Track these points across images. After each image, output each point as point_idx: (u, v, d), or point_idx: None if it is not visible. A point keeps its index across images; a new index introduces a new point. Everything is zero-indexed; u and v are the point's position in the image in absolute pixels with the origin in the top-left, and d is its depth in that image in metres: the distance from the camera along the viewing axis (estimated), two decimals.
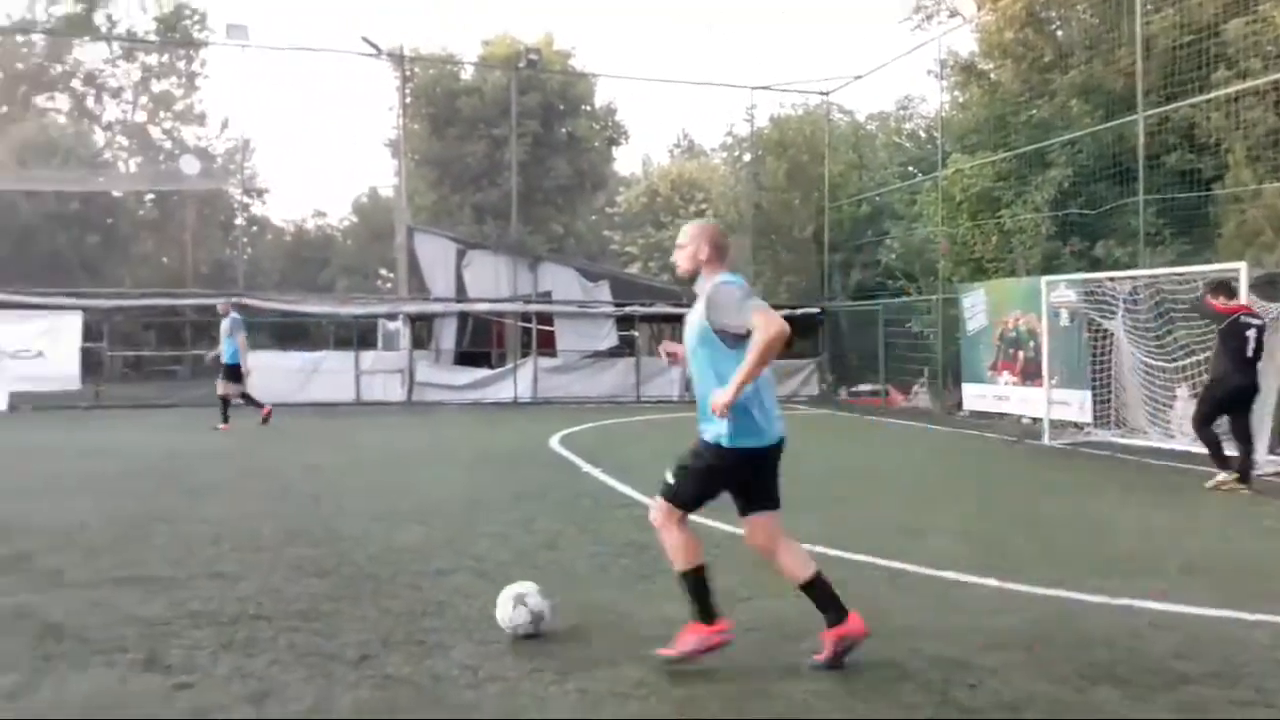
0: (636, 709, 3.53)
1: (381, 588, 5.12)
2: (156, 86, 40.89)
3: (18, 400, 17.61)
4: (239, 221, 37.01)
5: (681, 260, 4.12)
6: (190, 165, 32.88)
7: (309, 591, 5.01)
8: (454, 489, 8.69)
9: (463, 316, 22.12)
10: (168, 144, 40.82)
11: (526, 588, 4.34)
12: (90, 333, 19.02)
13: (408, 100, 29.13)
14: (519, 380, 21.14)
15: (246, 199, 39.65)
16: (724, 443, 3.84)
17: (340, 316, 21.65)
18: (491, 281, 22.03)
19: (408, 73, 28.68)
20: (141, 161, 39.26)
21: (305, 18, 72.66)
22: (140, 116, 40.94)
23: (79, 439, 13.03)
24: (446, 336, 21.96)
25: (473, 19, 77.56)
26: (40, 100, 38.96)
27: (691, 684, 3.75)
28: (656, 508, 4.02)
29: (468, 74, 32.96)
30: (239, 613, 4.57)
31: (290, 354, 20.98)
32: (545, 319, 22.20)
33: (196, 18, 40.08)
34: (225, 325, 14.52)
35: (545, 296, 22.25)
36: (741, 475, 3.93)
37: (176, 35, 39.09)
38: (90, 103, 40.37)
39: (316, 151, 67.31)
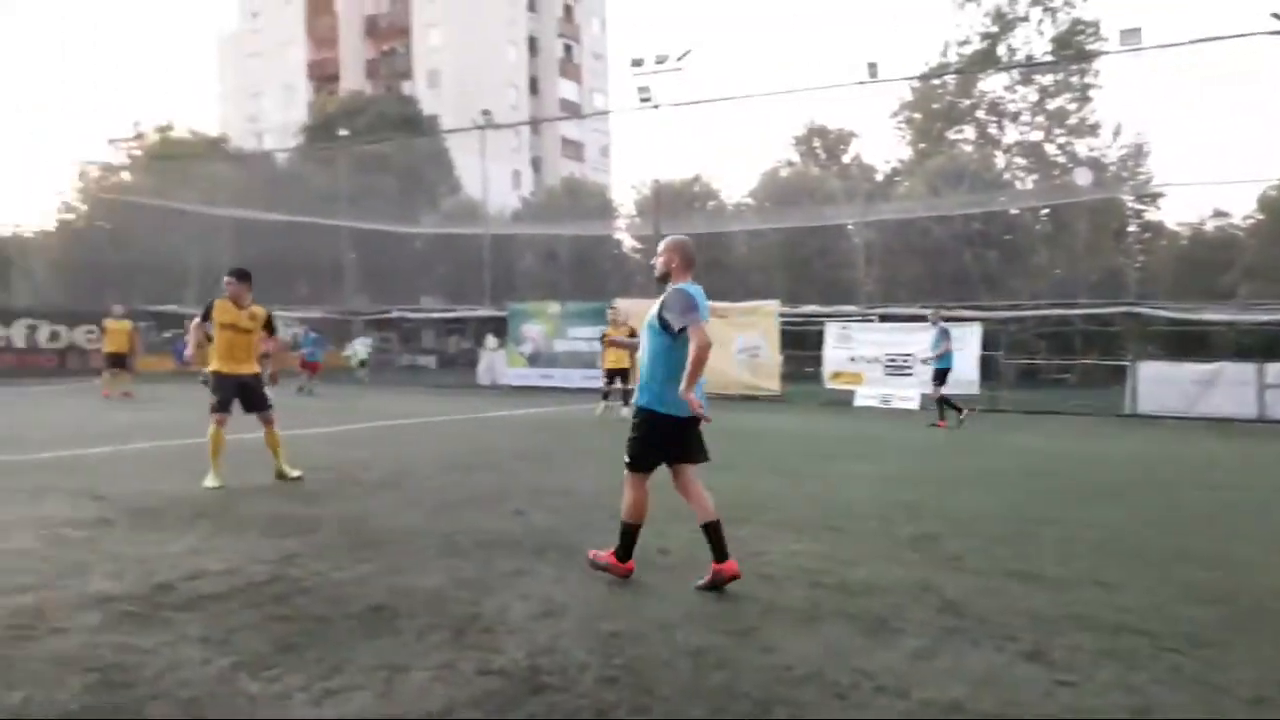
0: None
1: None
2: (1051, 104, 42.18)
3: (926, 401, 19.81)
4: (1131, 229, 36.04)
5: (659, 265, 5.33)
6: (1083, 176, 33.17)
7: (1197, 615, 4.76)
8: None
9: None
10: (1061, 158, 41.77)
11: None
12: (988, 342, 20.55)
13: None
14: None
15: (1139, 205, 38.44)
16: (656, 409, 5.09)
17: (1241, 324, 19.67)
18: None
19: None
20: (1037, 178, 40.85)
21: (1205, 6, 67.26)
22: (1036, 135, 42.72)
23: (975, 439, 14.18)
24: None
25: None
26: (950, 133, 43.37)
27: None
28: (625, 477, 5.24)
29: None
30: (1120, 623, 4.57)
31: (1183, 365, 19.76)
32: None
33: (1090, 30, 40.33)
34: (934, 334, 15.57)
35: None
36: (670, 434, 5.10)
37: (1070, 51, 39.82)
38: (992, 129, 43.51)
39: (1217, 147, 61.69)
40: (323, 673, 3.74)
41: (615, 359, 16.19)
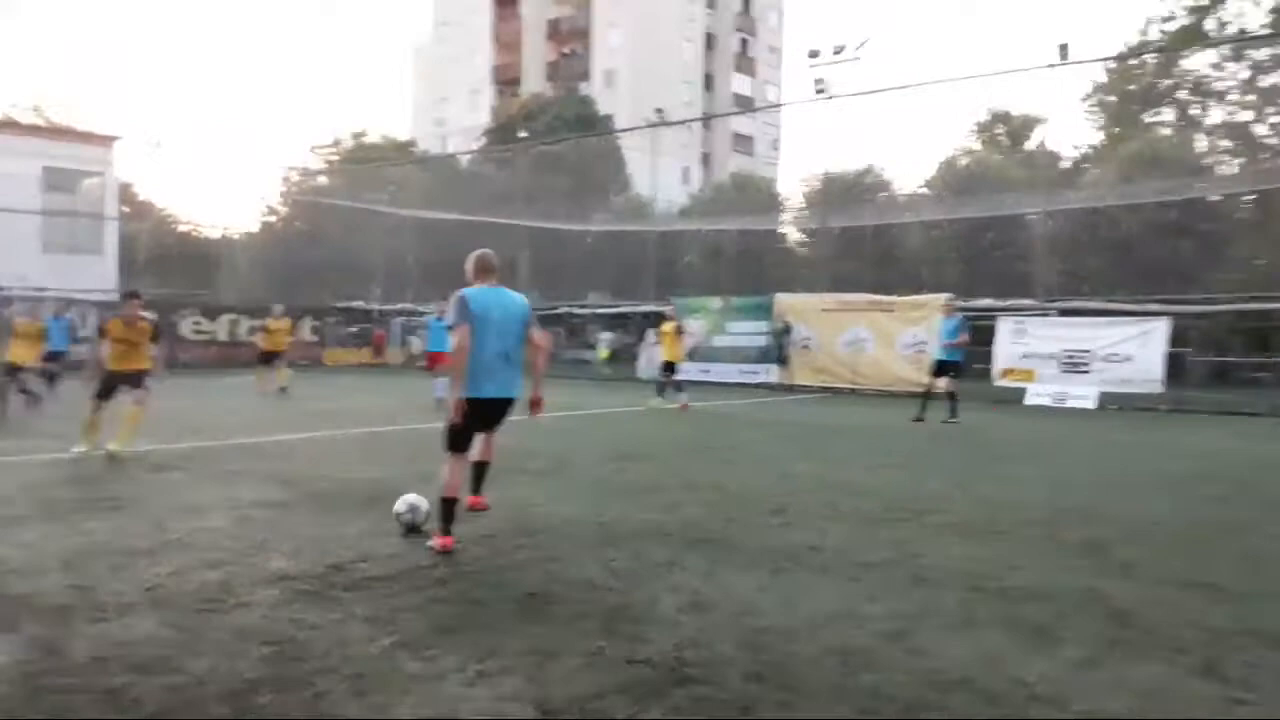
0: None
1: None
2: (1265, 81, 38.88)
3: (1105, 400, 18.80)
4: None
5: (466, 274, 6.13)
6: None
7: None
8: None
9: None
10: (1273, 139, 38.50)
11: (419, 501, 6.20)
12: (1176, 338, 19.23)
13: None
14: None
15: None
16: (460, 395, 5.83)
17: None
18: None
19: None
20: (1243, 162, 37.81)
21: None
22: (1245, 115, 39.49)
23: (1156, 440, 13.35)
24: None
25: None
26: (1147, 116, 40.68)
27: None
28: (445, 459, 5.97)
29: None
30: None
31: None
32: None
33: None
34: (954, 323, 15.15)
35: None
36: (475, 412, 5.87)
37: None
38: (1194, 110, 40.53)
39: None
40: (477, 655, 3.90)
41: (669, 352, 17.77)
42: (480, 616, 4.43)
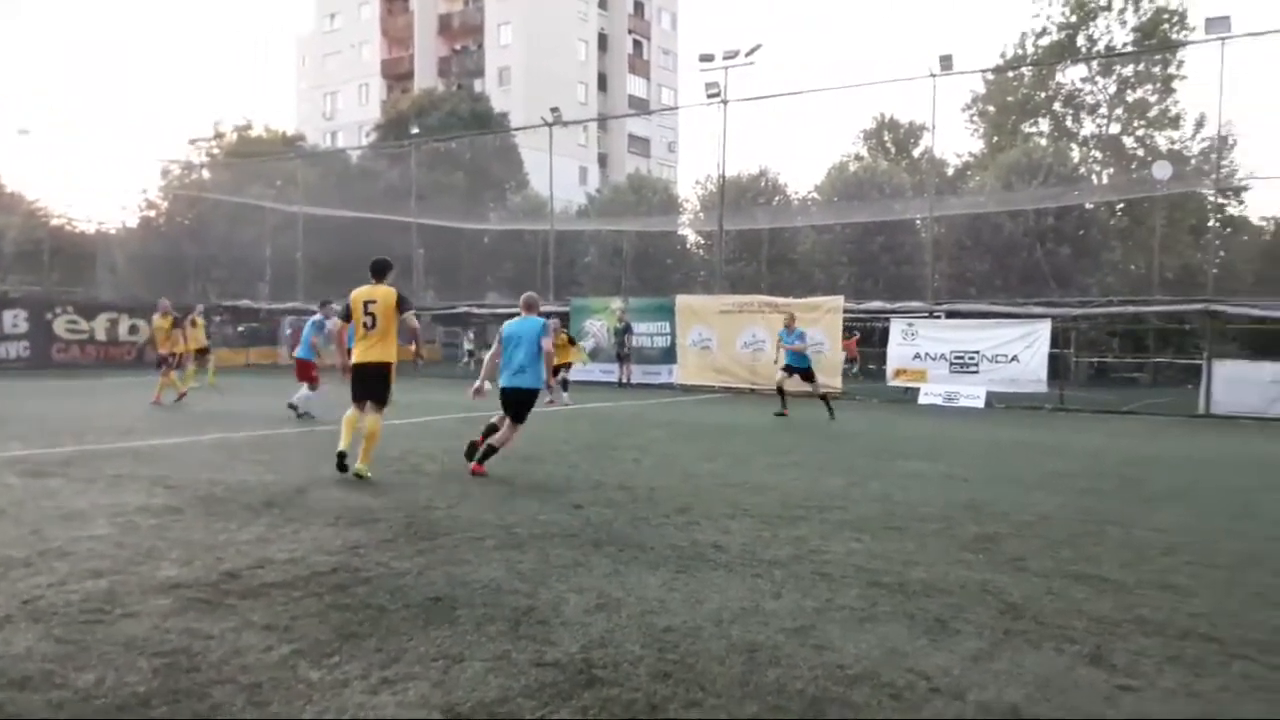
0: None
1: None
2: (1131, 96, 41.05)
3: (993, 399, 19.51)
4: (1211, 224, 34.87)
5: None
6: (1162, 170, 32.27)
7: (1269, 622, 4.62)
8: None
9: None
10: (1140, 152, 40.63)
11: None
12: (1058, 340, 20.10)
13: None
14: None
15: (1221, 199, 37.13)
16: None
17: None
18: None
19: None
20: (1113, 172, 39.79)
21: None
22: (1114, 128, 41.57)
23: (1042, 438, 13.91)
24: None
25: None
26: (1025, 126, 42.46)
27: None
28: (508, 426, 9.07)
29: None
30: (1188, 629, 4.45)
31: (1262, 364, 19.15)
32: None
33: (1175, 19, 39.16)
34: (796, 333, 16.89)
35: None
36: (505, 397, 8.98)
37: (1153, 42, 38.69)
38: (1069, 122, 42.46)
39: None
40: (381, 661, 3.81)
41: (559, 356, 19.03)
42: (383, 622, 4.32)
